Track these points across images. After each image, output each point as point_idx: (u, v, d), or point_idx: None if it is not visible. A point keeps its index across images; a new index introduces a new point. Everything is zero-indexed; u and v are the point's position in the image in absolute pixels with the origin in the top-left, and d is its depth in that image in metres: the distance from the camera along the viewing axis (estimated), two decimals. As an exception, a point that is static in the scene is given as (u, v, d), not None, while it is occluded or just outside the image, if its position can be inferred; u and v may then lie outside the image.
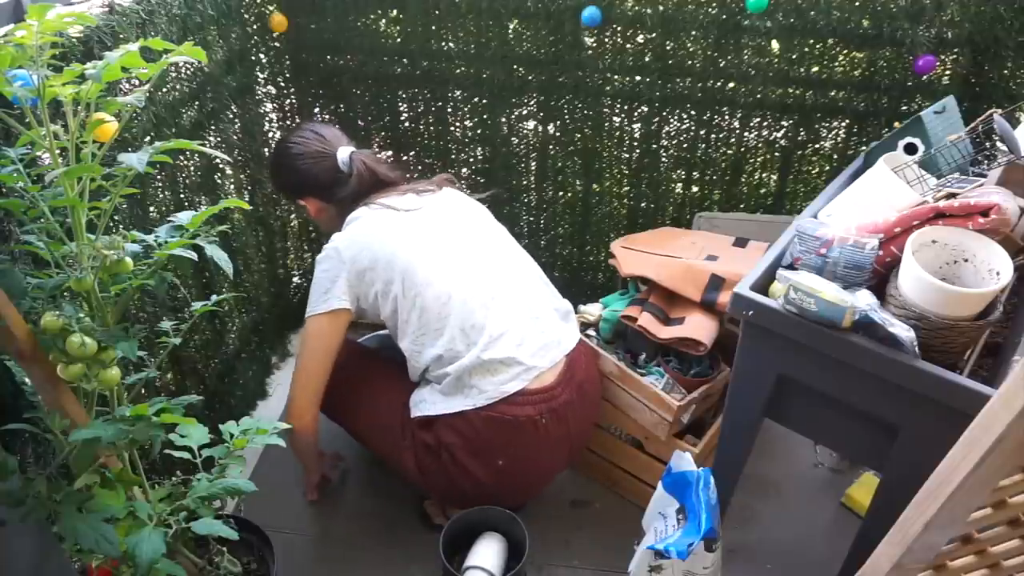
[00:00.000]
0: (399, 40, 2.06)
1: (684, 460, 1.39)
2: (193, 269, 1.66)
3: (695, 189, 2.20)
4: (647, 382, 1.65)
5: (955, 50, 1.89)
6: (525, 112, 2.14)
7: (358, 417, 1.67)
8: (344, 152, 1.62)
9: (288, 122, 2.19)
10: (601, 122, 2.10)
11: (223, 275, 1.72)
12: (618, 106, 2.08)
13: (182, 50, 0.91)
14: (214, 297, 1.19)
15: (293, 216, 2.33)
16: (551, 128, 2.15)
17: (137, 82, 1.33)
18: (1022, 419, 0.74)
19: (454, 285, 1.49)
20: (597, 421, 1.74)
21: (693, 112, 2.06)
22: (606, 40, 1.97)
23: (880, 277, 1.35)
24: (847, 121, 2.04)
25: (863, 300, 1.24)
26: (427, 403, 1.52)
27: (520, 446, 1.51)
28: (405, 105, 2.17)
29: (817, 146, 2.10)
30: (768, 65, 1.95)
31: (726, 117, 2.06)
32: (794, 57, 1.93)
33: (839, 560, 1.45)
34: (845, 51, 1.93)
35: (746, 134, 2.09)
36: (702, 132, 2.09)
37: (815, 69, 1.96)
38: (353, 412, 1.67)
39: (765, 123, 2.07)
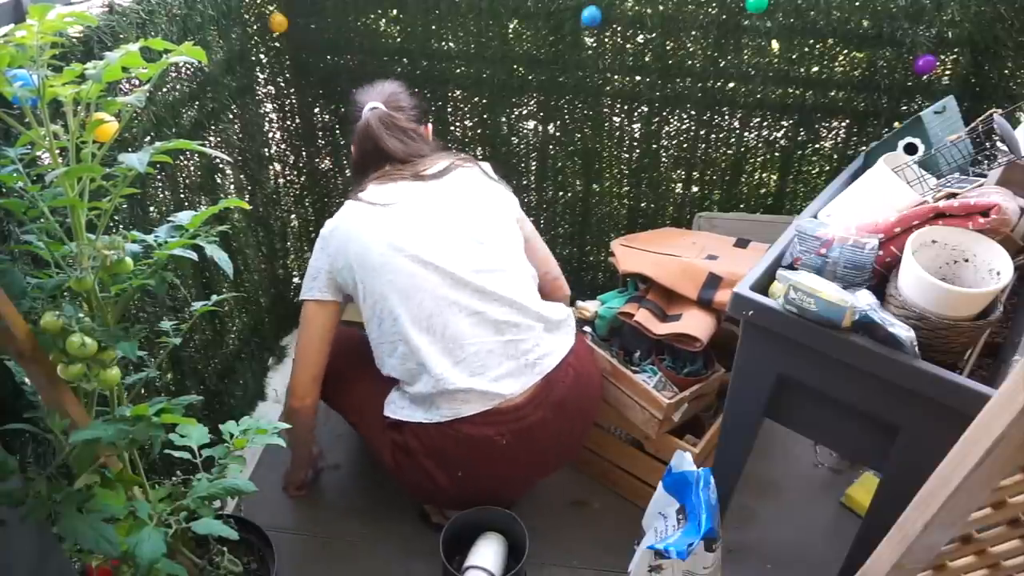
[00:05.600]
0: (399, 40, 2.06)
1: (684, 460, 1.39)
2: (193, 269, 1.66)
3: (695, 189, 2.21)
4: (639, 379, 1.65)
5: (955, 50, 1.89)
6: (525, 112, 2.14)
7: (348, 404, 1.68)
8: (366, 108, 1.58)
9: (288, 122, 2.19)
10: (601, 122, 2.11)
11: (223, 275, 1.71)
12: (618, 106, 2.08)
13: (182, 50, 0.91)
14: (214, 297, 1.20)
15: (293, 216, 2.33)
16: (551, 128, 2.15)
17: (137, 82, 1.33)
18: (1022, 419, 0.74)
19: (404, 304, 1.44)
20: (589, 428, 1.72)
21: (693, 112, 2.06)
22: (606, 40, 1.97)
23: (880, 277, 1.35)
24: (847, 121, 2.04)
25: (863, 300, 1.24)
26: (396, 406, 1.52)
27: (478, 461, 1.49)
28: (405, 105, 2.17)
29: (817, 146, 2.10)
30: (768, 65, 1.95)
31: (726, 117, 2.06)
32: (794, 57, 1.93)
33: (839, 560, 1.45)
34: (845, 51, 1.93)
35: (746, 134, 2.09)
36: (702, 132, 2.09)
37: (815, 69, 1.96)
38: (345, 398, 1.68)
39: (765, 123, 2.07)
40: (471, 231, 1.52)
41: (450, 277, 1.46)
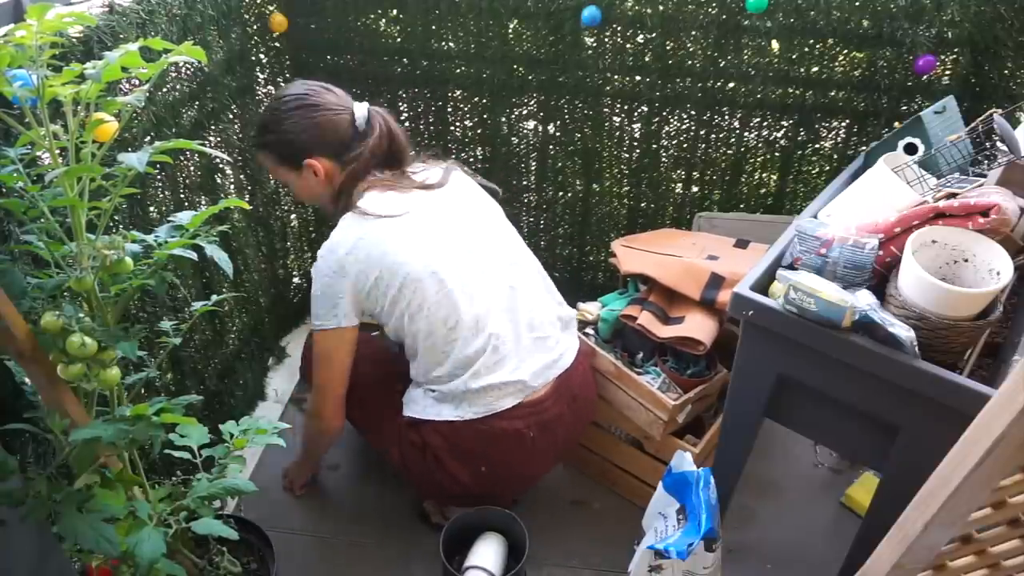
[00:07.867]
0: (399, 40, 2.06)
1: (684, 460, 1.39)
2: (193, 269, 1.66)
3: (695, 189, 2.20)
4: (643, 381, 1.65)
5: (955, 50, 1.89)
6: (525, 112, 2.14)
7: (350, 401, 1.67)
8: (361, 107, 1.49)
9: (288, 122, 2.19)
10: (601, 122, 2.10)
11: (223, 275, 1.71)
12: (618, 106, 2.08)
13: (182, 50, 0.91)
14: (214, 297, 1.19)
15: (293, 216, 2.33)
16: (551, 128, 2.15)
17: (137, 82, 1.33)
18: (1022, 419, 0.73)
19: (461, 309, 1.44)
20: (587, 426, 1.73)
21: (693, 112, 2.06)
22: (606, 40, 1.97)
23: (880, 277, 1.35)
24: (847, 121, 2.04)
25: (863, 300, 1.24)
26: (417, 405, 1.52)
27: (505, 455, 1.51)
28: (405, 105, 2.16)
29: (817, 146, 2.10)
30: (768, 65, 1.95)
31: (726, 117, 2.06)
32: (794, 57, 1.93)
33: (839, 560, 1.45)
34: (845, 51, 1.93)
35: (746, 134, 2.09)
36: (702, 132, 2.09)
37: (815, 69, 1.96)
38: (349, 396, 1.67)
39: (765, 123, 2.07)
40: (490, 233, 1.56)
41: (492, 270, 1.50)
